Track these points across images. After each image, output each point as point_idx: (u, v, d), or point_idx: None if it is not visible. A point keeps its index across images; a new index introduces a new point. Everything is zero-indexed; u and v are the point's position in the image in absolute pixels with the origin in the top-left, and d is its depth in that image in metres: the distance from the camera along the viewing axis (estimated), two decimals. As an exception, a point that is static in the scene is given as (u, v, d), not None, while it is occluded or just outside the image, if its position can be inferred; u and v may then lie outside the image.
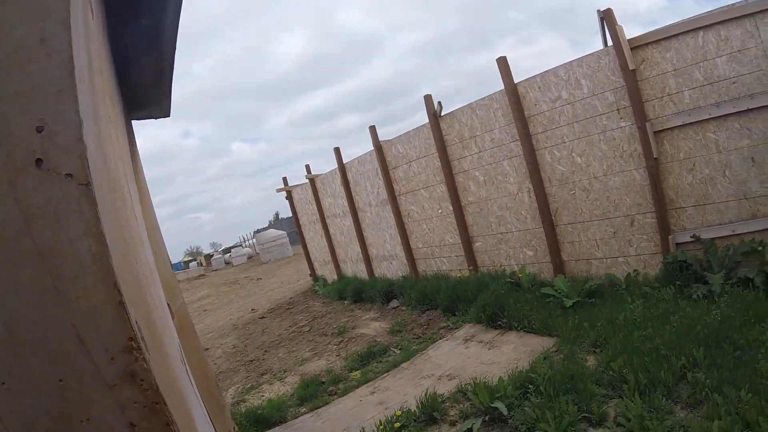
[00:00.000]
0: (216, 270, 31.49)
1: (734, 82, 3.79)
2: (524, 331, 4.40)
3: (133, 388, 0.89)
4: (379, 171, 7.60)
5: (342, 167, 8.73)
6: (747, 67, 3.72)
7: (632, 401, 2.66)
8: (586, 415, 2.75)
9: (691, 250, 4.15)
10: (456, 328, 5.16)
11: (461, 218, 6.32)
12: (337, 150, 8.79)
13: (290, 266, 19.26)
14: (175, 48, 2.54)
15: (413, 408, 3.35)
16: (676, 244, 4.24)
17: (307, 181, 10.14)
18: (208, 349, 7.73)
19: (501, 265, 5.97)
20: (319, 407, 4.08)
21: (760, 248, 3.78)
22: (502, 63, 5.15)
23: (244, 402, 4.81)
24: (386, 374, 4.39)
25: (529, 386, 3.16)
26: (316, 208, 10.11)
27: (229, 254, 33.70)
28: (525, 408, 2.93)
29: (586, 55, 4.50)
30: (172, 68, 2.77)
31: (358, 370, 4.77)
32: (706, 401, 2.54)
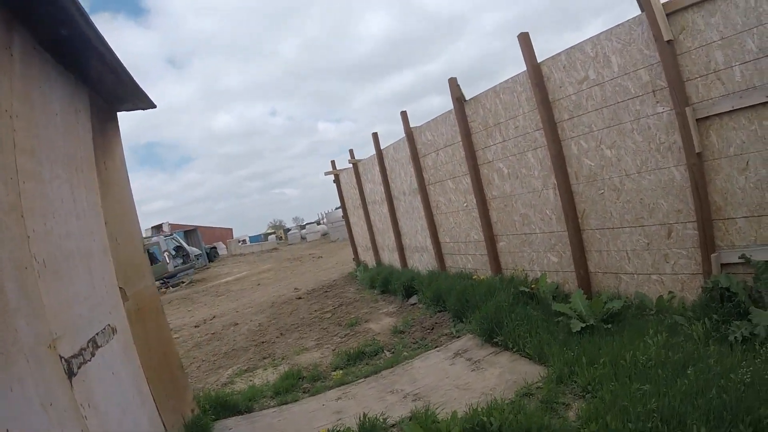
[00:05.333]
0: (291, 244, 33.23)
1: (811, 54, 2.75)
2: (519, 354, 3.80)
3: None
4: (410, 159, 7.15)
5: (380, 153, 8.40)
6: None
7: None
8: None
9: (739, 274, 3.19)
10: (457, 338, 4.68)
11: (485, 214, 5.69)
12: (374, 135, 8.46)
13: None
14: (110, 51, 2.69)
15: (354, 428, 3.04)
16: (721, 264, 3.29)
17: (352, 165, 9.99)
18: (237, 324, 8.06)
19: (523, 270, 5.28)
20: (287, 403, 3.98)
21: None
22: (524, 39, 4.37)
23: (233, 384, 4.88)
24: (363, 380, 4.11)
25: None
26: (358, 193, 9.94)
27: (304, 230, 35.30)
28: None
29: (616, 26, 3.59)
30: (123, 67, 2.98)
31: (341, 369, 4.55)
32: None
